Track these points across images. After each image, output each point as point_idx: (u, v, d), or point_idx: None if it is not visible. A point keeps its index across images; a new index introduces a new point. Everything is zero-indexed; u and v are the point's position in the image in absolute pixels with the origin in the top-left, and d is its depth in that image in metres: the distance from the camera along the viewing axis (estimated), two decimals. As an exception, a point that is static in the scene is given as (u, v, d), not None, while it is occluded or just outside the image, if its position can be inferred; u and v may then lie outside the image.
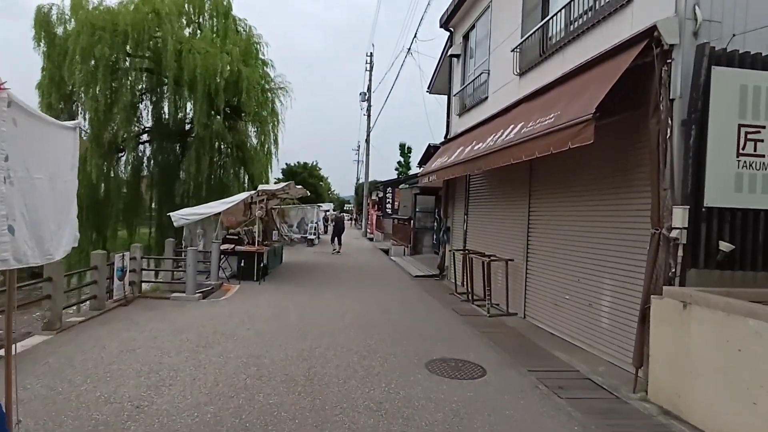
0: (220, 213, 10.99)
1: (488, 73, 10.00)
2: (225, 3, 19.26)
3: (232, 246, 10.99)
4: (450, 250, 11.24)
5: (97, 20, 15.10)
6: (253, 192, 11.12)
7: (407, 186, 19.09)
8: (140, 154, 19.47)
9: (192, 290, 8.78)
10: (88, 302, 7.45)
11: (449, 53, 12.27)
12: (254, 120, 20.53)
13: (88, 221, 17.91)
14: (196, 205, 12.61)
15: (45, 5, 15.44)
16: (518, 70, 8.41)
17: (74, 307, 7.73)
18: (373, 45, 48.45)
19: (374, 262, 16.89)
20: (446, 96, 16.82)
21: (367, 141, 30.92)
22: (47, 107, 16.34)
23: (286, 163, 47.46)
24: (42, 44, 15.48)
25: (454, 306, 9.25)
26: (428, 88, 17.53)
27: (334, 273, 13.41)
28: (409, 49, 32.74)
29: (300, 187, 13.11)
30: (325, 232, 30.41)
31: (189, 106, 19.18)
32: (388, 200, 30.19)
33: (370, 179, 32.69)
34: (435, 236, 18.03)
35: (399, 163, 48.41)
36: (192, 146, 18.02)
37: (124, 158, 19.10)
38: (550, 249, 7.43)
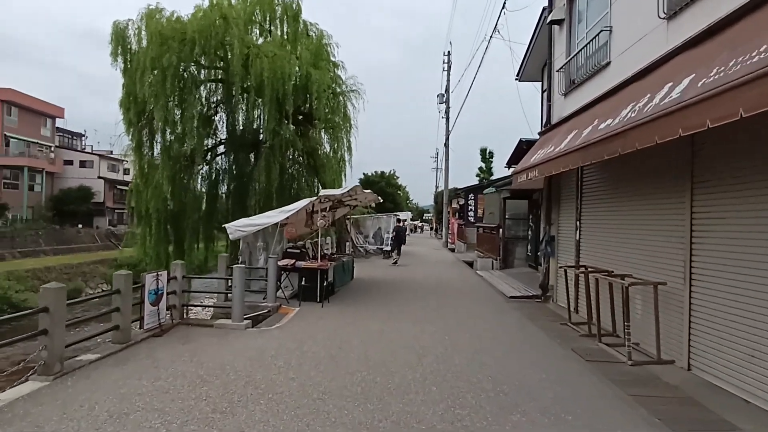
0: (281, 223, 9.47)
1: (609, 31, 7.45)
2: (294, 6, 18.25)
3: (292, 261, 9.38)
4: (560, 267, 8.69)
5: (166, 30, 14.64)
6: (314, 198, 9.50)
7: (494, 190, 16.63)
8: (216, 166, 19.01)
9: (238, 317, 7.19)
10: (111, 333, 6.08)
11: (549, 20, 9.80)
12: (326, 126, 19.27)
13: (166, 235, 17.66)
14: None
15: (121, 21, 15.34)
16: (666, 12, 5.83)
17: (98, 338, 6.46)
18: (450, 43, 45.92)
19: (458, 278, 14.57)
20: (540, 82, 14.33)
21: (446, 144, 28.67)
22: (128, 124, 16.24)
23: (363, 173, 46.60)
24: (119, 60, 15.36)
25: (572, 344, 6.75)
26: (518, 75, 15.04)
27: (412, 291, 11.33)
28: (495, 27, 30.07)
29: (369, 192, 11.25)
30: (403, 242, 28.57)
31: (258, 113, 18.37)
32: (470, 207, 27.72)
33: (449, 187, 30.34)
34: (529, 247, 15.31)
35: (480, 169, 45.39)
36: (262, 157, 17.05)
37: (200, 171, 18.67)
38: (739, 269, 4.75)
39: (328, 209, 10.08)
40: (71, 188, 40.98)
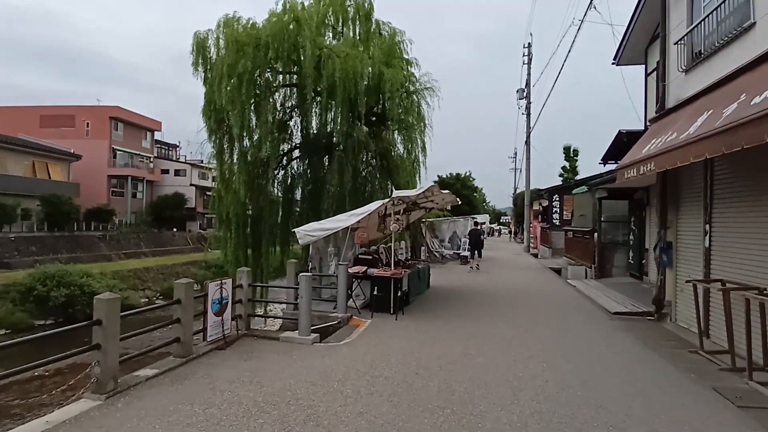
0: (351, 228, 8.77)
1: (755, -17, 5.84)
2: (366, 5, 17.71)
3: (363, 269, 8.63)
4: (687, 281, 7.06)
5: (241, 37, 14.71)
6: (387, 200, 8.71)
7: (586, 189, 14.83)
8: (292, 171, 19.00)
9: (305, 330, 6.52)
10: (173, 345, 5.66)
11: (663, -17, 8.17)
12: (400, 127, 18.52)
13: (244, 238, 17.88)
14: None
15: (201, 32, 15.70)
16: None
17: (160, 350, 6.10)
18: (531, 34, 42.94)
19: (547, 288, 13.02)
20: (643, 64, 12.49)
21: (527, 142, 26.72)
22: (210, 132, 16.62)
23: (438, 175, 45.28)
24: (200, 69, 15.73)
25: (712, 380, 5.25)
26: (615, 58, 13.26)
27: (497, 304, 10.11)
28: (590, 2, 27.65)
29: (447, 192, 10.18)
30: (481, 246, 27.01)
31: (331, 116, 18.08)
32: (554, 209, 25.53)
33: (530, 187, 28.25)
34: (631, 254, 13.34)
35: (564, 168, 42.25)
36: (334, 159, 16.65)
37: (276, 175, 18.73)
38: None
39: (402, 212, 9.25)
40: (167, 195, 44.18)
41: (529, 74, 26.38)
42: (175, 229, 43.19)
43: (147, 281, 32.63)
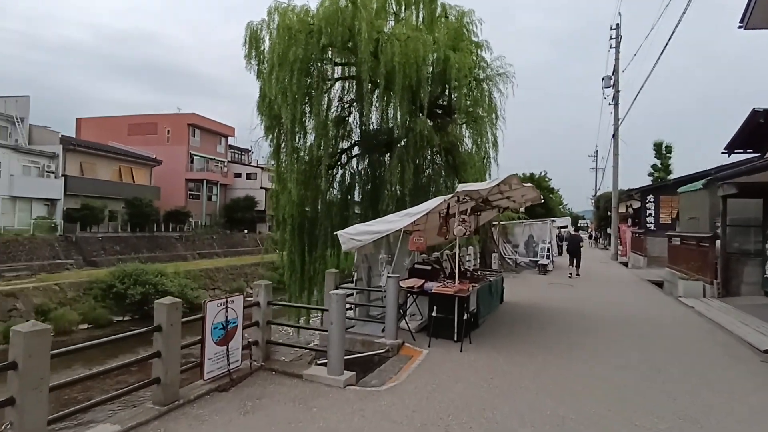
0: (405, 230, 6.98)
1: None
2: (430, -16, 15.87)
3: (420, 283, 6.78)
4: None
5: (293, 24, 13.49)
6: (450, 197, 6.95)
7: (699, 186, 11.83)
8: (350, 170, 17.60)
9: (336, 367, 4.82)
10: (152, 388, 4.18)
11: None
12: (468, 119, 16.45)
13: (300, 241, 16.71)
14: None
15: (254, 22, 14.72)
16: None
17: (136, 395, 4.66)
18: (620, 14, 37.63)
19: (654, 308, 10.33)
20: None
21: (615, 135, 23.26)
22: (266, 129, 15.65)
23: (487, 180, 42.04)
24: (252, 62, 14.77)
25: None
26: (742, 21, 10.35)
27: (591, 329, 7.81)
28: None
29: (529, 185, 7.89)
30: (560, 253, 23.93)
31: (392, 110, 16.44)
32: (649, 211, 22.00)
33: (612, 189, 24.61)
34: (770, 268, 10.22)
35: (654, 167, 37.35)
36: (394, 155, 14.94)
37: (333, 175, 17.41)
38: None
39: (469, 212, 7.29)
40: (239, 198, 45.13)
41: (617, 59, 23.00)
42: (245, 231, 43.97)
43: (217, 281, 33.06)
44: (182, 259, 35.31)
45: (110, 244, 32.36)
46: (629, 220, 24.93)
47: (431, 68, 14.57)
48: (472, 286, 6.95)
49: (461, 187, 6.24)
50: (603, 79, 23.81)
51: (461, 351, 6.10)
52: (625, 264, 21.54)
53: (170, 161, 39.89)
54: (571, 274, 15.52)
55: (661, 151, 37.84)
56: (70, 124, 43.31)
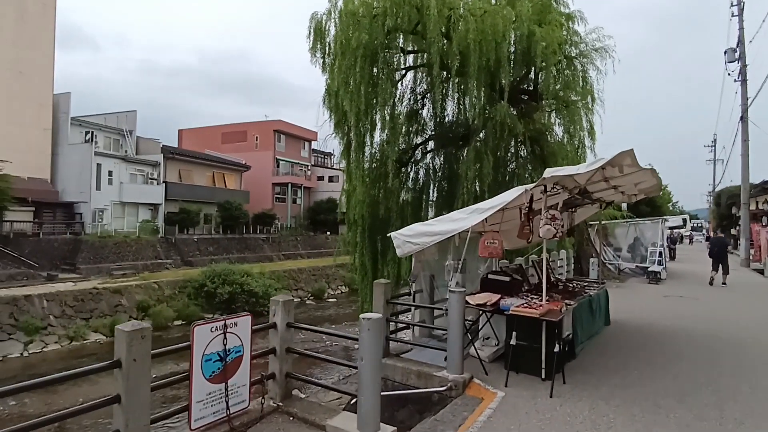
0: (472, 231, 5.44)
1: None
2: (512, -45, 13.92)
3: (494, 299, 5.19)
4: None
5: (356, 8, 12.44)
6: (533, 186, 4.91)
7: None
8: (424, 167, 16.20)
9: (369, 421, 3.45)
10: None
11: None
12: (558, 104, 14.25)
13: (371, 243, 15.66)
14: None
15: (318, 12, 13.92)
16: None
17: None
18: None
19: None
20: None
21: (743, 118, 19.14)
22: (336, 126, 14.86)
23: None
24: (317, 55, 13.98)
25: None
26: None
27: (745, 367, 5.61)
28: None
29: (649, 168, 5.60)
30: (672, 257, 20.28)
31: (469, 98, 14.77)
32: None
33: (735, 182, 20.24)
34: None
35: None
36: (470, 147, 13.26)
37: (406, 173, 16.13)
38: None
39: (560, 207, 5.51)
40: (322, 200, 45.79)
41: (741, 28, 18.93)
42: (328, 232, 44.45)
43: (300, 282, 33.50)
44: (268, 260, 36.40)
45: (204, 245, 34.25)
46: (764, 219, 20.48)
47: (513, 47, 12.72)
48: (567, 304, 5.21)
49: (549, 172, 4.55)
50: (726, 52, 19.81)
51: (551, 396, 4.44)
52: (761, 271, 17.57)
53: (258, 166, 41.51)
54: (712, 280, 13.52)
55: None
56: (176, 136, 47.14)
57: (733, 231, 28.85)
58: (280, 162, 44.74)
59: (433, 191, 15.75)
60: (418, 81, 15.67)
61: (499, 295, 5.32)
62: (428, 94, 15.62)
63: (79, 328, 20.62)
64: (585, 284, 7.41)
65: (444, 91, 14.24)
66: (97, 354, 18.75)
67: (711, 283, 13.45)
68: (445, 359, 5.08)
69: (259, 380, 3.93)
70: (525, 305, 4.90)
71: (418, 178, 16.04)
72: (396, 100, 14.27)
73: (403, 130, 14.90)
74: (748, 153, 19.08)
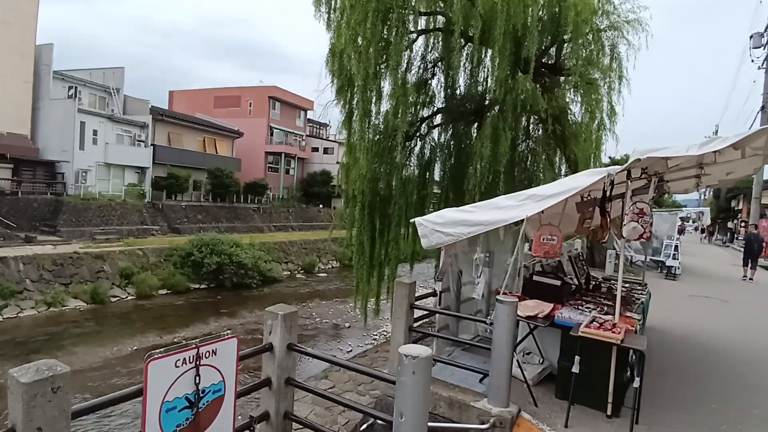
0: (527, 223, 4.25)
1: None
2: None
3: (546, 309, 4.07)
4: None
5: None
6: (616, 169, 3.54)
7: None
8: (431, 142, 14.88)
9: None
10: None
11: None
12: (581, 81, 12.93)
13: (370, 221, 14.48)
14: None
15: (327, -41, 12.26)
16: None
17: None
18: None
19: None
20: None
21: (765, 108, 18.04)
22: (338, 92, 13.39)
23: (609, 157, 36.58)
24: (322, 9, 12.38)
25: None
26: None
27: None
28: None
29: (762, 150, 4.54)
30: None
31: (485, 69, 13.39)
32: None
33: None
34: None
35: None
36: (487, 121, 11.96)
37: (411, 147, 14.80)
38: None
39: (630, 195, 4.31)
40: (316, 172, 44.24)
41: (775, 9, 17.54)
42: (320, 205, 43.13)
43: (290, 254, 32.37)
44: (259, 231, 35.11)
45: (193, 212, 32.76)
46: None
47: (540, 13, 11.31)
48: (638, 322, 4.09)
49: (644, 152, 3.34)
50: (751, 37, 18.51)
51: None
52: (766, 268, 16.84)
53: (251, 134, 39.67)
54: (745, 277, 13.83)
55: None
56: (167, 99, 44.74)
57: (730, 224, 28.19)
58: (274, 130, 42.85)
59: (440, 169, 14.53)
60: (430, 47, 14.21)
61: (552, 305, 4.20)
62: (440, 63, 14.19)
63: (57, 293, 19.32)
64: (626, 286, 6.33)
65: (459, 59, 12.84)
66: (77, 322, 17.60)
67: (752, 279, 13.57)
68: (481, 380, 3.97)
69: (247, 425, 2.78)
70: (594, 323, 3.78)
71: (423, 154, 14.79)
72: (405, 66, 12.86)
73: (411, 100, 13.53)
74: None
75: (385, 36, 11.47)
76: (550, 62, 13.30)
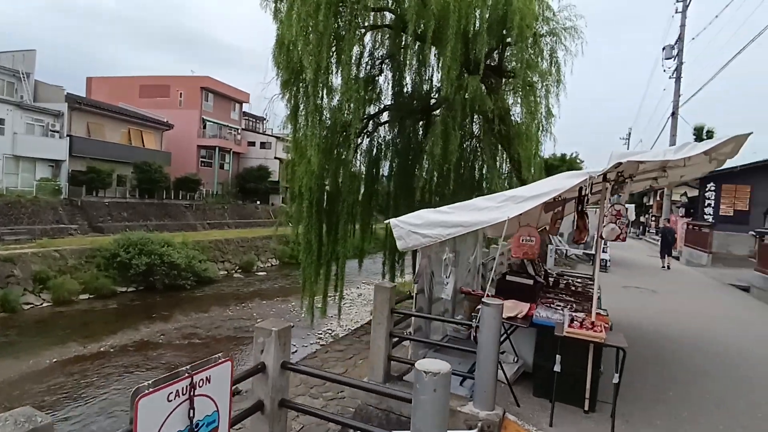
0: (508, 225, 4.20)
1: None
2: None
3: (524, 309, 4.09)
4: None
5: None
6: (597, 171, 3.69)
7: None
8: (378, 139, 14.76)
9: None
10: None
11: None
12: (522, 83, 13.40)
13: (318, 218, 14.09)
14: (442, 205, 6.11)
15: (274, -55, 11.63)
16: None
17: None
18: None
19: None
20: None
21: (674, 114, 19.98)
22: (283, 85, 12.76)
23: (546, 158, 38.65)
24: (269, -1, 11.76)
25: None
26: None
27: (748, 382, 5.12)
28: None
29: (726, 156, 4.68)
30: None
31: (432, 68, 13.50)
32: (708, 201, 19.02)
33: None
34: None
35: (694, 152, 33.82)
36: (438, 120, 12.06)
37: (359, 144, 14.54)
38: None
39: (607, 197, 4.39)
40: (252, 168, 42.51)
41: (683, 25, 19.48)
42: (258, 202, 41.56)
43: (227, 253, 30.87)
44: (192, 229, 33.11)
45: (117, 210, 30.12)
46: (681, 210, 21.94)
47: (489, 16, 11.56)
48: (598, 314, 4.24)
49: (620, 157, 3.42)
50: (664, 49, 20.39)
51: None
52: (677, 258, 18.69)
53: (182, 126, 37.20)
54: (664, 266, 15.27)
55: (702, 136, 34.25)
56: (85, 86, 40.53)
57: (642, 219, 31.10)
58: (207, 123, 40.51)
59: (388, 165, 14.47)
60: (377, 44, 14.06)
61: (529, 305, 4.23)
62: (387, 60, 14.08)
63: (-44, 302, 16.94)
64: (580, 281, 6.62)
65: (409, 57, 12.81)
66: (-19, 334, 15.51)
67: (669, 267, 15.05)
68: (461, 383, 3.90)
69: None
70: (575, 323, 3.84)
71: (371, 152, 14.68)
72: (353, 59, 12.57)
73: (359, 96, 13.29)
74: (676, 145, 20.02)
75: (337, 29, 11.13)
76: (493, 64, 13.67)
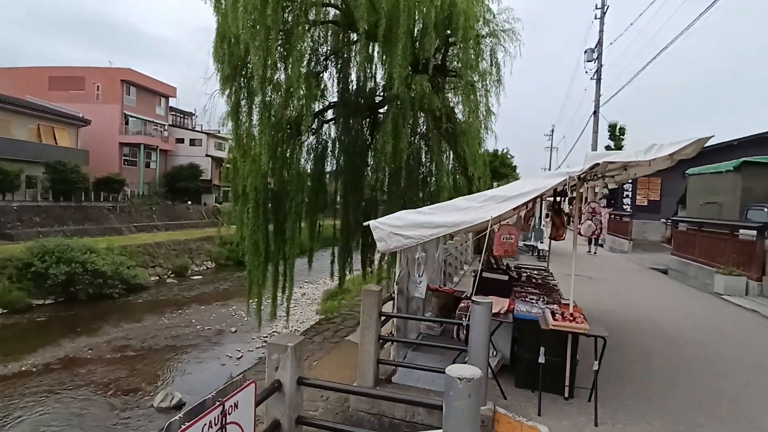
0: (491, 225, 4.25)
1: None
2: None
3: (504, 305, 4.20)
4: None
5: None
6: (577, 171, 3.82)
7: (731, 169, 10.09)
8: (324, 137, 14.44)
9: None
10: None
11: None
12: (465, 82, 13.79)
13: (265, 217, 13.53)
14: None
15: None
16: None
17: None
18: None
19: (712, 311, 8.50)
20: None
21: (596, 113, 21.67)
22: (224, 80, 12.04)
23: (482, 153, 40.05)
24: (210, -11, 11.04)
25: None
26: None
27: (695, 357, 5.68)
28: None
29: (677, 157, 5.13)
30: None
31: (379, 66, 13.47)
32: (626, 193, 20.89)
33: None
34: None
35: (608, 148, 36.89)
36: (388, 118, 12.03)
37: (304, 142, 14.15)
38: None
39: (586, 196, 4.62)
40: (182, 166, 40.00)
41: (601, 29, 21.15)
42: (189, 202, 39.20)
43: (158, 258, 28.75)
44: (117, 233, 30.43)
45: (29, 214, 26.90)
46: (603, 201, 23.94)
47: (434, 17, 11.72)
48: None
49: (599, 157, 3.61)
50: (585, 52, 22.01)
51: (596, 425, 3.65)
52: (601, 245, 20.36)
53: (101, 122, 33.98)
54: (590, 252, 16.84)
55: (615, 132, 37.39)
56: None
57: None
58: (130, 118, 37.39)
59: (336, 163, 14.23)
60: (322, 40, 13.75)
61: (508, 300, 4.35)
62: (332, 57, 13.82)
63: None
64: (537, 273, 6.96)
65: (355, 54, 12.66)
66: None
67: (596, 253, 16.90)
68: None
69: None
70: (558, 316, 3.99)
71: (317, 149, 14.35)
72: (299, 55, 12.19)
73: (305, 93, 12.93)
74: (597, 144, 21.83)
75: (285, 24, 10.73)
76: (437, 64, 13.93)
